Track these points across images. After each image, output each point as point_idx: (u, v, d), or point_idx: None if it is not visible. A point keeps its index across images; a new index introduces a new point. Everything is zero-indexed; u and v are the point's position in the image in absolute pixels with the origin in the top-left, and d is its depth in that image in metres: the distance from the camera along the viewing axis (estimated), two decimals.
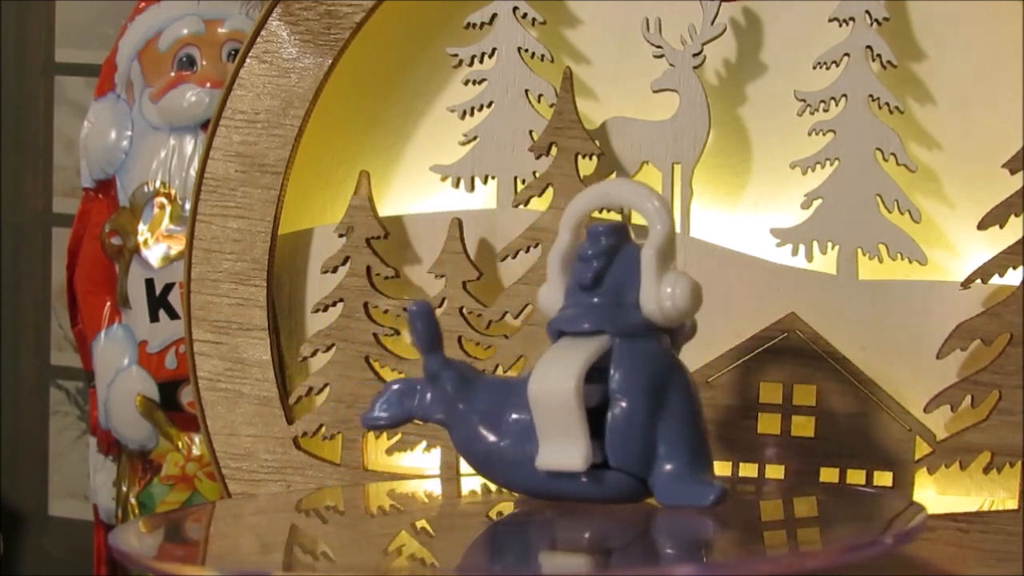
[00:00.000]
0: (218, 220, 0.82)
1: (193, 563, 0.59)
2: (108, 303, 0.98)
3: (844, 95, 0.75)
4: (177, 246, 0.95)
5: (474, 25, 0.80)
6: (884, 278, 0.75)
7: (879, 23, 0.74)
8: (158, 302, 0.96)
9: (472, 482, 0.76)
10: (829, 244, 0.76)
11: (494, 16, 0.80)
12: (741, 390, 0.75)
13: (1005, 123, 0.74)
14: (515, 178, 0.80)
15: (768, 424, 0.75)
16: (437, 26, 0.82)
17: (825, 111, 0.76)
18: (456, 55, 0.81)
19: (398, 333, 0.81)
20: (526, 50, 0.80)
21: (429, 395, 0.65)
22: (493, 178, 0.81)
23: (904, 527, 0.57)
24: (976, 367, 0.73)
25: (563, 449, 0.59)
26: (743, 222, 0.78)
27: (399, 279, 0.81)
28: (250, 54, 0.81)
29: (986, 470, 0.72)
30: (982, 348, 0.73)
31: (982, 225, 0.73)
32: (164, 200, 0.96)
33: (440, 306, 0.79)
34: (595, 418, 0.60)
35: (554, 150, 0.78)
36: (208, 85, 0.95)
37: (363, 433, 0.81)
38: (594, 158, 0.78)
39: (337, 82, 0.82)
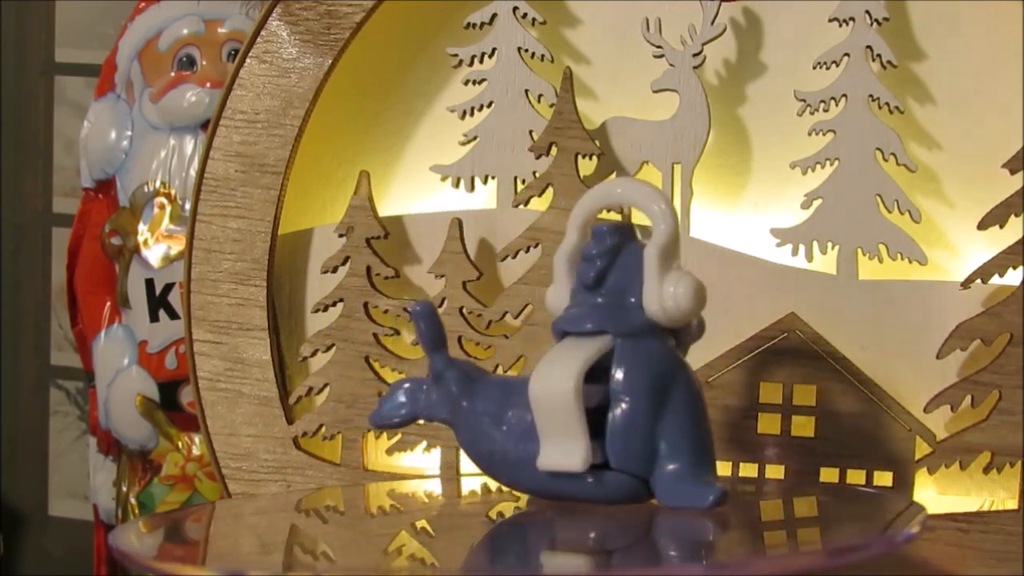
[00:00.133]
0: (218, 220, 0.82)
1: (193, 563, 0.59)
2: (108, 303, 0.98)
3: (844, 95, 0.75)
4: (177, 246, 0.95)
5: (474, 25, 0.80)
6: (884, 278, 0.75)
7: (879, 23, 0.74)
8: (158, 302, 0.96)
9: (472, 482, 0.76)
10: (829, 244, 0.76)
11: (494, 16, 0.80)
12: (741, 390, 0.75)
13: (1005, 123, 0.74)
14: (515, 178, 0.80)
15: (768, 424, 0.75)
16: (437, 26, 0.82)
17: (825, 111, 0.76)
18: (456, 55, 0.81)
19: (398, 333, 0.81)
20: (526, 50, 0.80)
21: (434, 395, 0.65)
22: (493, 178, 0.81)
23: (904, 527, 0.57)
24: (976, 367, 0.73)
25: (563, 449, 0.59)
26: (743, 222, 0.78)
27: (399, 279, 0.81)
28: (250, 54, 0.81)
29: (986, 470, 0.72)
30: (982, 348, 0.73)
31: (982, 225, 0.73)
32: (164, 200, 0.96)
33: (440, 306, 0.79)
34: (598, 418, 0.60)
35: (554, 150, 0.78)
36: (208, 85, 0.95)
37: (363, 433, 0.81)
38: (594, 158, 0.78)
39: (337, 82, 0.82)
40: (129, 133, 0.97)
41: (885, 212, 0.75)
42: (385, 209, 0.83)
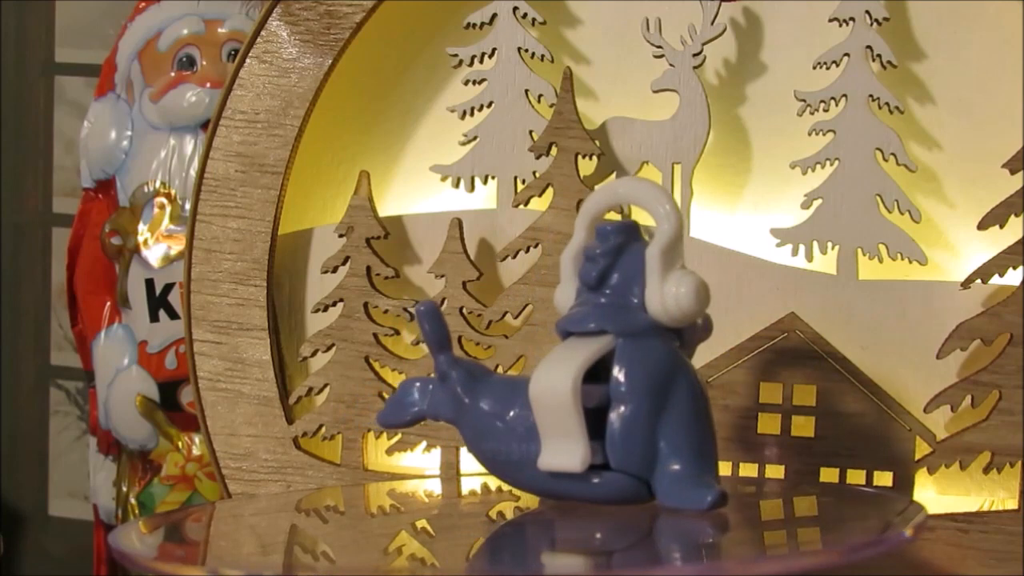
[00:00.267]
0: (218, 220, 0.82)
1: (193, 563, 0.59)
2: (108, 303, 0.98)
3: (844, 95, 0.75)
4: (177, 246, 0.95)
5: (474, 25, 0.80)
6: (884, 278, 0.75)
7: (879, 23, 0.74)
8: (158, 302, 0.96)
9: (472, 482, 0.76)
10: (829, 244, 0.76)
11: (494, 16, 0.80)
12: (741, 390, 0.75)
13: (1005, 123, 0.74)
14: (515, 178, 0.80)
15: (768, 424, 0.75)
16: (437, 26, 0.82)
17: (825, 111, 0.76)
18: (456, 55, 0.81)
19: (398, 333, 0.81)
20: (526, 50, 0.80)
21: (439, 394, 0.65)
22: (493, 178, 0.81)
23: (904, 527, 0.57)
24: (976, 367, 0.73)
25: (562, 450, 0.59)
26: (743, 222, 0.78)
27: (399, 279, 0.81)
28: (250, 54, 0.81)
29: (986, 470, 0.72)
30: (982, 348, 0.73)
31: (982, 225, 0.73)
32: (164, 200, 0.96)
33: (440, 306, 0.79)
34: (599, 418, 0.59)
35: (554, 150, 0.78)
36: (208, 85, 0.95)
37: (363, 433, 0.81)
38: (594, 158, 0.78)
39: (337, 82, 0.82)
40: (129, 133, 0.97)
41: (885, 212, 0.75)
42: (385, 209, 0.83)
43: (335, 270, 0.81)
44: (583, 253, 0.62)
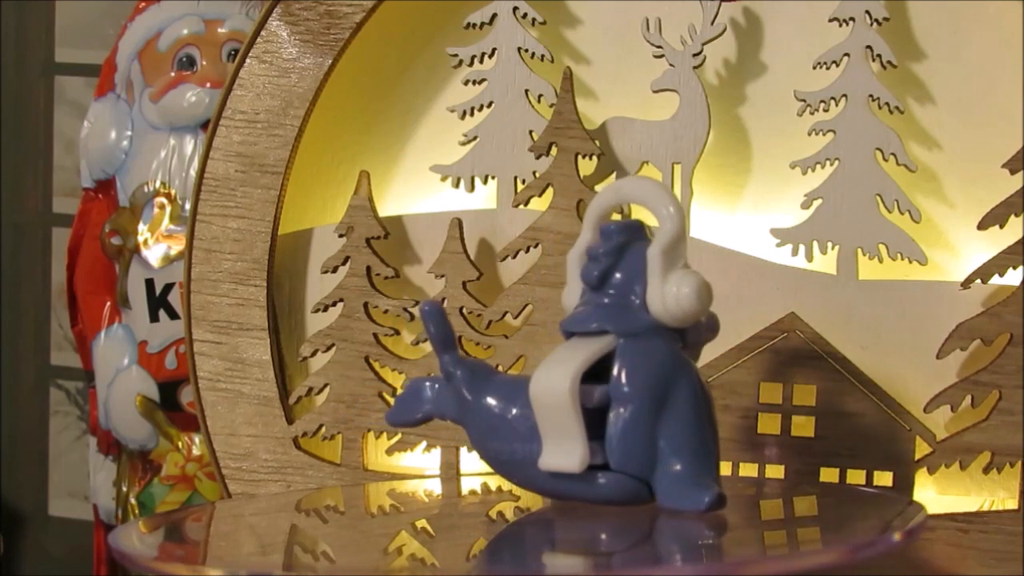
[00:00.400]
0: (218, 220, 0.82)
1: (193, 563, 0.59)
2: (108, 303, 0.98)
3: (844, 95, 0.75)
4: (177, 246, 0.95)
5: (474, 25, 0.80)
6: (884, 278, 0.75)
7: (879, 23, 0.74)
8: (158, 302, 0.96)
9: (472, 482, 0.76)
10: (829, 244, 0.76)
11: (494, 16, 0.80)
12: (741, 390, 0.75)
13: (1005, 123, 0.74)
14: (515, 178, 0.80)
15: (768, 424, 0.75)
16: (437, 26, 0.82)
17: (825, 111, 0.76)
18: (456, 55, 0.81)
19: (398, 333, 0.81)
20: (526, 50, 0.80)
21: (445, 394, 0.65)
22: (493, 178, 0.81)
23: (904, 527, 0.57)
24: (976, 367, 0.73)
25: (562, 450, 0.59)
26: (743, 222, 0.78)
27: (399, 279, 0.81)
28: (250, 54, 0.81)
29: (986, 470, 0.72)
30: (982, 348, 0.73)
31: (982, 225, 0.73)
32: (164, 200, 0.96)
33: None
34: (601, 419, 0.59)
35: (554, 150, 0.78)
36: (208, 85, 0.95)
37: (363, 433, 0.81)
38: (594, 158, 0.78)
39: (337, 82, 0.82)
40: (129, 133, 0.97)
41: (885, 212, 0.75)
42: (385, 209, 0.83)
43: (335, 270, 0.81)
44: (586, 252, 0.62)
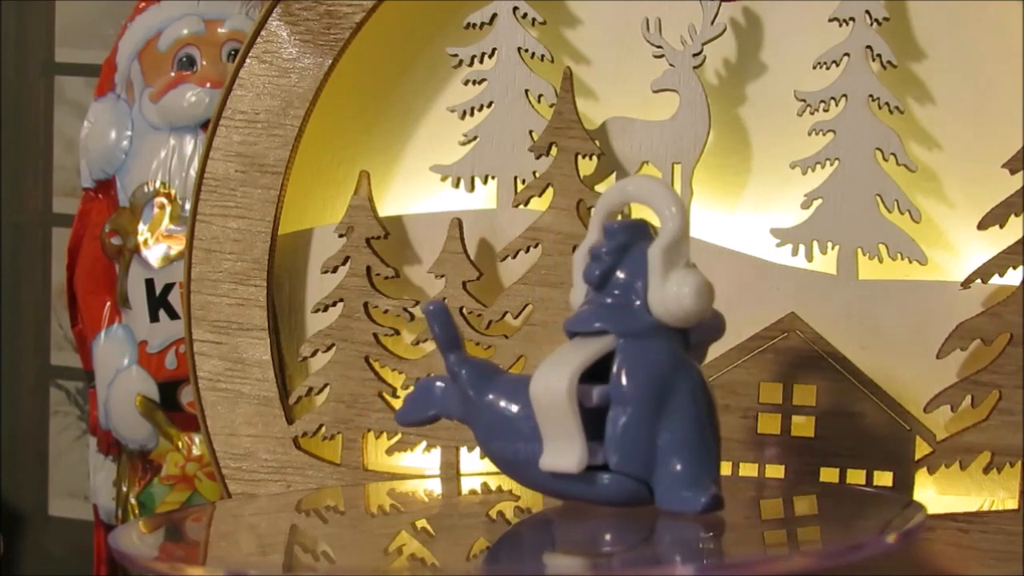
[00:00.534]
0: (218, 220, 0.82)
1: (193, 563, 0.59)
2: (108, 303, 0.98)
3: (844, 95, 0.75)
4: (177, 246, 0.95)
5: (474, 25, 0.80)
6: (884, 278, 0.75)
7: (879, 23, 0.74)
8: (158, 302, 0.96)
9: (472, 482, 0.76)
10: (829, 244, 0.76)
11: (494, 16, 0.80)
12: (741, 390, 0.75)
13: (1005, 123, 0.74)
14: (515, 178, 0.80)
15: (768, 424, 0.75)
16: (437, 26, 0.82)
17: (825, 111, 0.76)
18: (456, 55, 0.81)
19: (398, 333, 0.81)
20: (526, 50, 0.80)
21: (451, 393, 0.65)
22: (493, 178, 0.81)
23: (904, 527, 0.57)
24: (976, 367, 0.73)
25: (561, 450, 0.59)
26: (743, 222, 0.78)
27: (399, 279, 0.81)
28: (250, 54, 0.81)
29: (986, 470, 0.72)
30: (982, 348, 0.73)
31: (982, 225, 0.73)
32: (164, 200, 0.96)
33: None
34: (604, 419, 0.59)
35: (554, 150, 0.78)
36: (208, 85, 0.95)
37: (363, 433, 0.81)
38: (594, 158, 0.78)
39: (337, 82, 0.82)
40: (129, 133, 0.97)
41: (885, 212, 0.75)
42: (385, 209, 0.83)
43: (335, 270, 0.81)
44: (589, 252, 0.62)
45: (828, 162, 0.76)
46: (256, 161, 0.82)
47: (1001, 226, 0.72)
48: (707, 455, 0.59)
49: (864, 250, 0.75)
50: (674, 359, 0.60)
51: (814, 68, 0.76)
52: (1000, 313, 0.72)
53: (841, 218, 0.75)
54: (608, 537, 0.60)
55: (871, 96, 0.75)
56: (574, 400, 0.58)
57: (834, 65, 0.75)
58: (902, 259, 0.75)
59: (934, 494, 0.74)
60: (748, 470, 0.75)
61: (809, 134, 0.76)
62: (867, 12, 0.74)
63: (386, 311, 0.81)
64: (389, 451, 0.81)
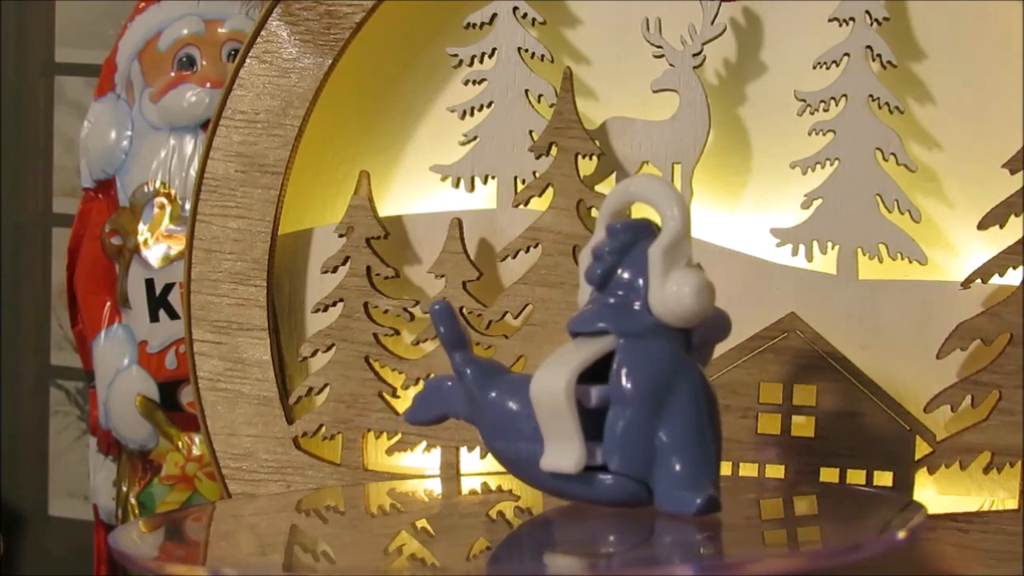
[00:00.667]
0: (218, 220, 0.82)
1: (193, 563, 0.59)
2: (108, 303, 0.98)
3: (844, 95, 0.75)
4: (177, 246, 0.95)
5: (474, 25, 0.80)
6: (884, 278, 0.75)
7: (879, 23, 0.74)
8: (158, 302, 0.96)
9: (472, 482, 0.76)
10: (829, 244, 0.76)
11: (494, 16, 0.80)
12: (741, 390, 0.75)
13: (1005, 123, 0.74)
14: (515, 178, 0.80)
15: (768, 424, 0.75)
16: (437, 26, 0.82)
17: (825, 111, 0.76)
18: (456, 55, 0.81)
19: (398, 333, 0.81)
20: (526, 50, 0.80)
21: (457, 393, 0.65)
22: (493, 178, 0.81)
23: (904, 527, 0.57)
24: (976, 367, 0.73)
25: (560, 450, 0.59)
26: (743, 222, 0.78)
27: (399, 279, 0.81)
28: (250, 54, 0.81)
29: (986, 470, 0.72)
30: (982, 348, 0.73)
31: (982, 225, 0.73)
32: (164, 200, 0.96)
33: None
34: (604, 420, 0.59)
35: (554, 150, 0.78)
36: (208, 85, 0.95)
37: (363, 433, 0.81)
38: (594, 158, 0.78)
39: (337, 82, 0.82)
40: (129, 133, 0.97)
41: (885, 212, 0.75)
42: (385, 209, 0.83)
43: (335, 270, 0.81)
44: (591, 252, 0.62)
45: (828, 162, 0.76)
46: (256, 161, 0.82)
47: (1001, 226, 0.72)
48: (705, 456, 0.59)
49: (864, 250, 0.75)
50: (674, 359, 0.59)
51: (814, 68, 0.76)
52: (1000, 313, 0.72)
53: (841, 218, 0.75)
54: (608, 537, 0.60)
55: (871, 96, 0.75)
56: (572, 400, 0.58)
57: (834, 65, 0.75)
58: (902, 259, 0.75)
59: (934, 494, 0.74)
60: (748, 470, 0.75)
61: (809, 134, 0.76)
62: (867, 12, 0.74)
63: (386, 311, 0.81)
64: (389, 451, 0.81)
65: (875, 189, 0.75)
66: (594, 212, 0.77)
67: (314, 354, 0.82)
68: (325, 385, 0.81)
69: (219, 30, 0.96)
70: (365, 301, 0.81)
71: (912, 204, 0.75)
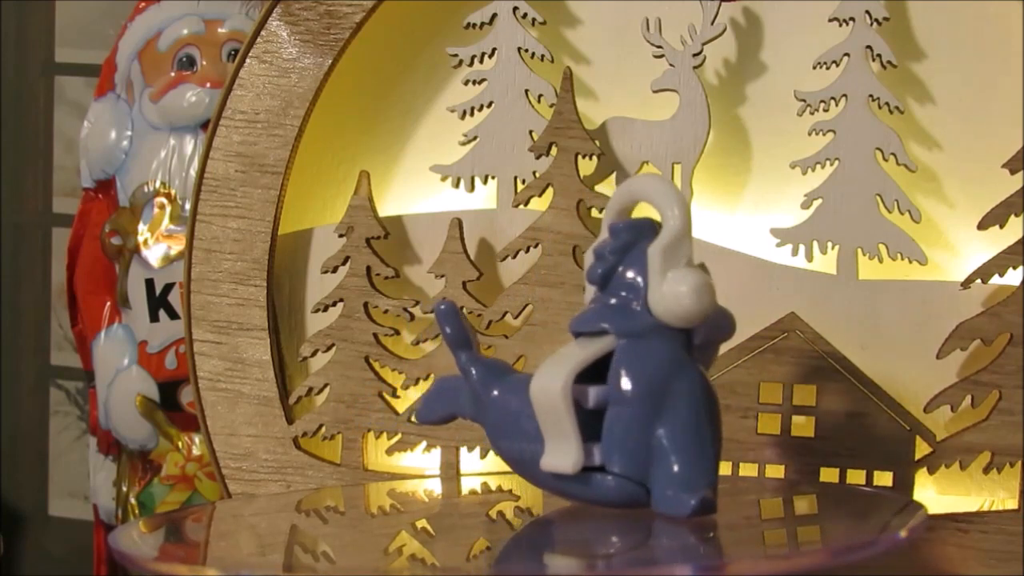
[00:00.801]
0: (218, 220, 0.82)
1: (193, 563, 0.59)
2: (108, 303, 0.98)
3: (844, 95, 0.75)
4: (177, 246, 0.95)
5: (474, 25, 0.80)
6: (884, 278, 0.75)
7: (879, 23, 0.74)
8: (158, 302, 0.96)
9: (472, 482, 0.76)
10: (829, 244, 0.76)
11: (494, 16, 0.80)
12: (741, 390, 0.75)
13: (1005, 123, 0.74)
14: (515, 178, 0.80)
15: (768, 424, 0.75)
16: (437, 26, 0.82)
17: (825, 111, 0.76)
18: (456, 55, 0.81)
19: (398, 333, 0.81)
20: (526, 50, 0.80)
21: (463, 392, 0.65)
22: (493, 178, 0.81)
23: (904, 527, 0.57)
24: (976, 367, 0.73)
25: (558, 451, 0.59)
26: (743, 222, 0.78)
27: (399, 279, 0.81)
28: (250, 54, 0.81)
29: (986, 470, 0.72)
30: (982, 348, 0.73)
31: (982, 225, 0.73)
32: (164, 200, 0.96)
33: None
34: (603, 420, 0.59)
35: (554, 150, 0.78)
36: (208, 85, 0.95)
37: (363, 433, 0.81)
38: (594, 158, 0.78)
39: (337, 82, 0.82)
40: (129, 133, 0.97)
41: (885, 212, 0.75)
42: (385, 209, 0.83)
43: (335, 270, 0.81)
44: (593, 251, 0.62)
45: (828, 162, 0.76)
46: (256, 161, 0.82)
47: (1001, 226, 0.72)
48: (703, 457, 0.59)
49: (864, 250, 0.75)
50: (674, 360, 0.59)
51: (814, 68, 0.76)
52: (1000, 313, 0.72)
53: (841, 218, 0.75)
54: (607, 538, 0.60)
55: (871, 96, 0.75)
56: (569, 400, 0.58)
57: (834, 65, 0.76)
58: (902, 259, 0.75)
59: (934, 494, 0.74)
60: (748, 470, 0.75)
61: (809, 134, 0.76)
62: (867, 12, 0.74)
63: (386, 311, 0.81)
64: (389, 451, 0.81)
65: (875, 189, 0.75)
66: (594, 212, 0.78)
67: (314, 354, 0.82)
68: (325, 385, 0.81)
69: (219, 30, 0.96)
70: (365, 301, 0.81)
71: (912, 204, 0.75)
